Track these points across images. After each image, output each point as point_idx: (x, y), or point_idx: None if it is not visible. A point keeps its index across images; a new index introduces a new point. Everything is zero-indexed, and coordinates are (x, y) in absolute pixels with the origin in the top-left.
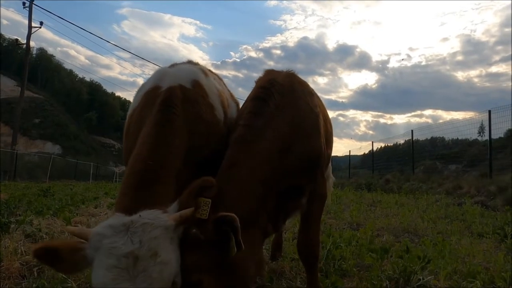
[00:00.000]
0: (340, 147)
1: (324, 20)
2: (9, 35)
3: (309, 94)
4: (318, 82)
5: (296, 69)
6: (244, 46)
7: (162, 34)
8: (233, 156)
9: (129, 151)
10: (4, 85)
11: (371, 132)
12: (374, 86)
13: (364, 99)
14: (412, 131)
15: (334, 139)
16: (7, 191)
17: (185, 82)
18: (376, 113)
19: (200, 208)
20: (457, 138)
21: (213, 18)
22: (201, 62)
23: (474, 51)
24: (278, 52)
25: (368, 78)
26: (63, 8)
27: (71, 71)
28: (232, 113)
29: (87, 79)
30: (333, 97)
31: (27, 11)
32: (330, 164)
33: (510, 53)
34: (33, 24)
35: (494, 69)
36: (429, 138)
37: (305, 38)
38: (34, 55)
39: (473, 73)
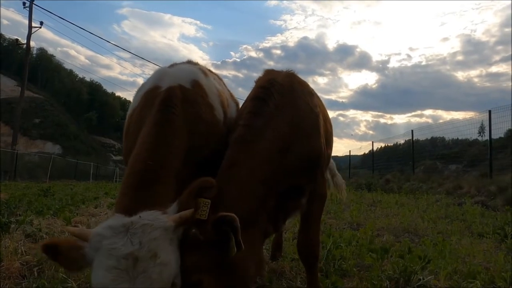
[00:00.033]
0: (340, 147)
1: (324, 20)
2: (9, 35)
3: (308, 94)
4: (318, 82)
5: (296, 69)
6: (244, 46)
7: (162, 34)
8: (233, 156)
9: (129, 151)
10: (4, 85)
11: (371, 132)
12: (374, 86)
13: (364, 99)
14: (412, 131)
15: (334, 139)
16: (7, 191)
17: (185, 82)
18: (376, 113)
19: (200, 208)
20: (457, 138)
21: (213, 18)
22: (201, 62)
23: (474, 51)
24: (278, 52)
25: (368, 78)
26: (63, 8)
27: (71, 71)
28: (232, 113)
29: (87, 79)
30: (333, 97)
31: (27, 11)
32: (333, 162)
33: (510, 53)
34: (33, 24)
35: (494, 69)
36: (429, 138)
37: (305, 38)
38: (34, 55)
39: (473, 73)
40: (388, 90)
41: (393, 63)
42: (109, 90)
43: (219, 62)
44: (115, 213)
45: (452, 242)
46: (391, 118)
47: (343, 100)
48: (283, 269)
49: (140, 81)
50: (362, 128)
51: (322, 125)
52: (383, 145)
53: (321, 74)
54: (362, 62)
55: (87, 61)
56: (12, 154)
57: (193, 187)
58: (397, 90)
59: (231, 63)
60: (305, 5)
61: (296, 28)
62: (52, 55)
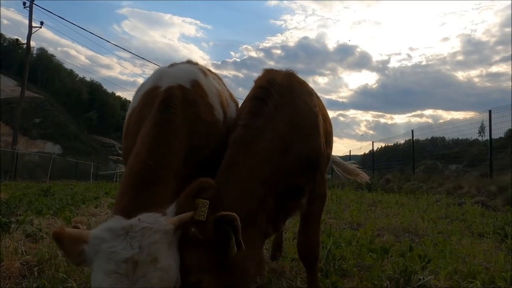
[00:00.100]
0: (340, 147)
1: (324, 20)
2: (10, 35)
3: (308, 93)
4: (318, 82)
5: (297, 69)
6: (245, 46)
7: (162, 34)
8: (232, 156)
9: (128, 151)
10: (4, 85)
11: (371, 132)
12: (374, 86)
13: (365, 99)
14: (412, 131)
15: (334, 139)
16: (8, 191)
17: (185, 82)
18: (377, 113)
19: (198, 209)
20: (458, 138)
21: (213, 18)
22: (202, 62)
23: (474, 51)
24: (279, 52)
25: (368, 78)
26: (63, 8)
27: (71, 71)
28: (231, 113)
29: (88, 79)
30: (333, 97)
31: (28, 11)
32: (336, 155)
33: (510, 53)
34: (33, 24)
35: (494, 69)
36: (429, 138)
37: (305, 38)
38: (34, 55)
39: (474, 73)
40: (388, 90)
41: (393, 63)
42: (109, 90)
43: (219, 62)
44: (114, 214)
45: (452, 242)
46: (391, 118)
47: (343, 100)
48: (283, 269)
49: (140, 81)
50: (362, 128)
51: (322, 125)
52: (383, 145)
53: (321, 74)
54: (362, 62)
55: (87, 61)
56: (12, 154)
57: (191, 188)
58: (397, 90)
59: (231, 63)
60: (305, 5)
61: (296, 28)
62: (52, 55)
